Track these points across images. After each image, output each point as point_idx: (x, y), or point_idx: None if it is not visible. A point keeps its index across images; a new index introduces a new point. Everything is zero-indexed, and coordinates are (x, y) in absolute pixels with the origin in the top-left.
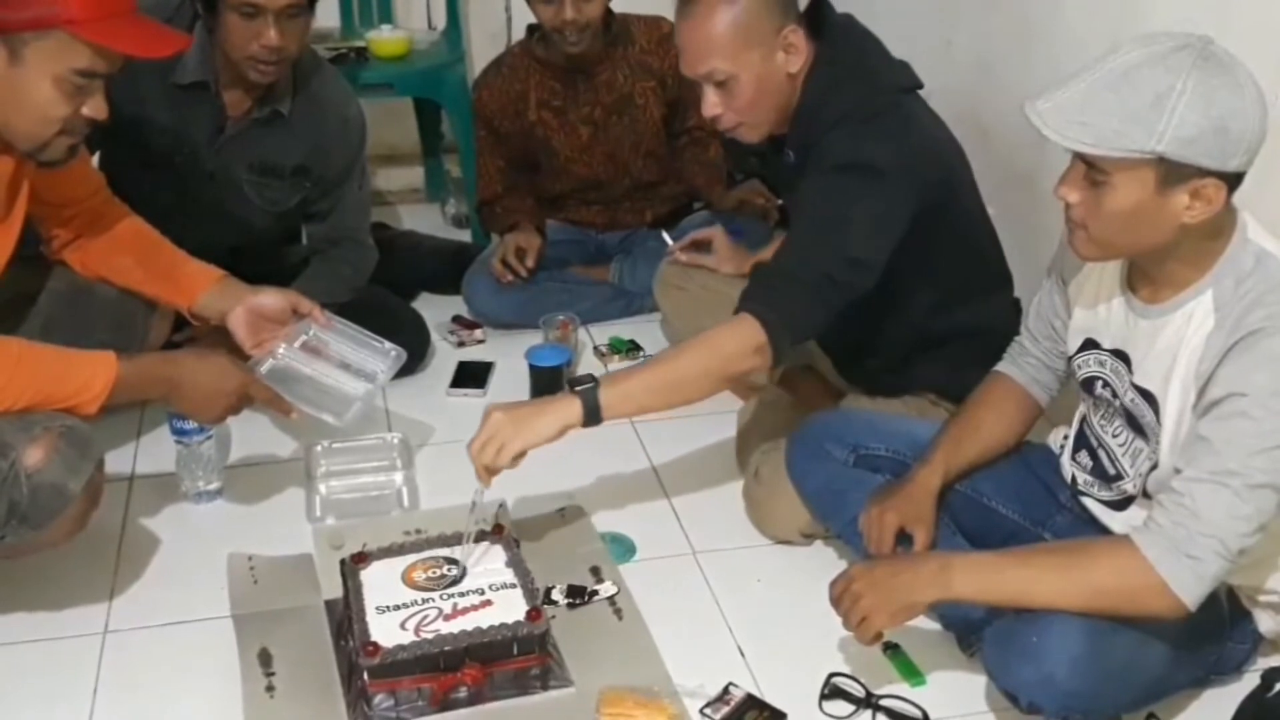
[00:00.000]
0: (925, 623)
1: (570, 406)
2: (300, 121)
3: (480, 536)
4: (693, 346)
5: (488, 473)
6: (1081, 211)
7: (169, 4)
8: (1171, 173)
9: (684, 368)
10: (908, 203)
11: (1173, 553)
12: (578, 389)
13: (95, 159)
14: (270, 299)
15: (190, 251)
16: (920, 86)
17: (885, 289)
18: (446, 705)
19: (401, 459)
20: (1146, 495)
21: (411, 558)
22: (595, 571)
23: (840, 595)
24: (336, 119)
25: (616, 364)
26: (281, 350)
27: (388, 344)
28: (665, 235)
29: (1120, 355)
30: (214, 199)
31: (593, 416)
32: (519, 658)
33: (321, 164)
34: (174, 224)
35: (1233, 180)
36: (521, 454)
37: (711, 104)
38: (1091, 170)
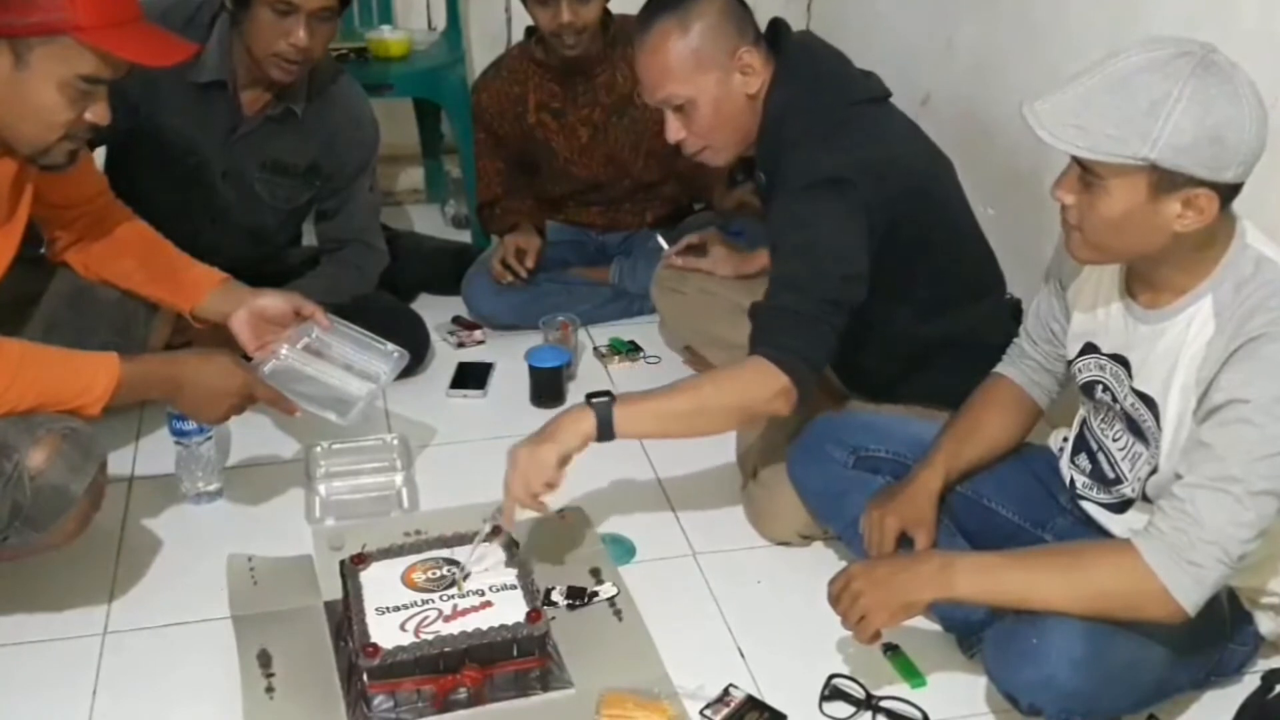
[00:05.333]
0: (925, 624)
1: (584, 418)
2: (313, 121)
3: None
4: (717, 382)
5: (534, 500)
6: (1076, 214)
7: (190, 3)
8: (1164, 180)
9: (707, 401)
10: (873, 209)
11: (1174, 559)
12: (592, 401)
13: (101, 154)
14: (273, 301)
15: (200, 253)
16: (888, 95)
17: (867, 305)
18: (446, 707)
19: (401, 460)
20: (1145, 499)
21: (411, 559)
22: (595, 573)
23: (839, 593)
24: (349, 121)
25: (616, 365)
26: (284, 351)
27: (390, 345)
28: (660, 239)
29: (1120, 360)
30: (226, 199)
31: (605, 431)
32: (519, 659)
33: (333, 164)
34: (184, 225)
35: (1226, 192)
36: (562, 463)
37: (674, 129)
38: (1086, 173)
